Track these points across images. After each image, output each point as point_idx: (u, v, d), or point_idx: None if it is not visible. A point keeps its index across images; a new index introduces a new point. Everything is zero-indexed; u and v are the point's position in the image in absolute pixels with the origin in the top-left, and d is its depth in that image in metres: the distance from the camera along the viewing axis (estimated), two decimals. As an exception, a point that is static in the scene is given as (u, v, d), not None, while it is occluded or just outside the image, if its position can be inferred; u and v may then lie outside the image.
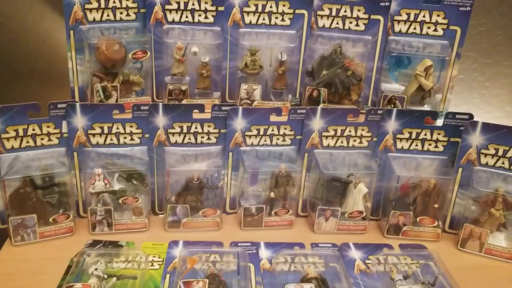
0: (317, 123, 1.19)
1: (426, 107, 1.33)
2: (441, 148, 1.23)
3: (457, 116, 1.20)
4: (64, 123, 1.13)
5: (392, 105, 1.30)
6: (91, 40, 1.19)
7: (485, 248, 1.16)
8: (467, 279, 1.03)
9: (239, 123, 1.18)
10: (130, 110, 1.15)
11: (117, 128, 1.15)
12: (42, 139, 1.12)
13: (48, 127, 1.12)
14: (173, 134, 1.17)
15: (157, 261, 1.05)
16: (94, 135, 1.14)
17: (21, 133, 1.10)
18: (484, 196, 1.16)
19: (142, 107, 1.14)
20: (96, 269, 0.94)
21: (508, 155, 1.16)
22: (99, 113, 1.13)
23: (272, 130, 1.20)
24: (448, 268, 1.03)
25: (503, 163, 1.17)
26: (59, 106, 1.11)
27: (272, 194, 1.19)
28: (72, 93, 1.24)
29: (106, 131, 1.15)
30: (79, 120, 1.12)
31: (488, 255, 1.16)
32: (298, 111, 1.18)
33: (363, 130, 1.21)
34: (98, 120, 1.13)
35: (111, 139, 1.16)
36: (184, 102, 1.25)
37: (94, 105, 1.15)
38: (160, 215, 1.23)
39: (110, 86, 1.21)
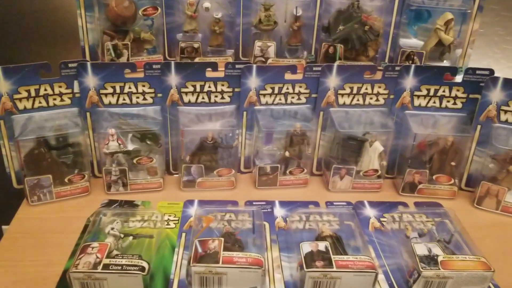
0: (333, 80, 1.16)
1: (446, 63, 1.29)
2: (459, 105, 1.20)
3: (477, 72, 1.16)
4: (76, 83, 1.11)
5: (410, 61, 1.26)
6: (100, -4, 1.16)
7: (502, 206, 1.15)
8: (483, 237, 1.03)
9: (253, 81, 1.15)
10: (142, 69, 1.12)
11: (129, 88, 1.13)
12: (54, 99, 1.11)
13: (60, 87, 1.11)
14: (186, 93, 1.15)
15: (172, 220, 1.06)
16: (106, 95, 1.13)
17: (33, 93, 1.09)
18: (502, 153, 1.14)
19: (154, 66, 1.12)
20: (112, 228, 0.95)
21: (530, 111, 1.13)
22: (110, 72, 1.11)
23: (287, 89, 1.17)
24: (464, 226, 1.02)
25: (524, 119, 1.14)
26: (70, 65, 1.09)
27: (287, 153, 1.18)
28: (82, 52, 1.22)
29: (118, 90, 1.13)
30: (91, 80, 1.11)
31: (505, 212, 1.15)
32: (314, 68, 1.15)
33: (380, 87, 1.18)
34: (110, 80, 1.12)
35: (124, 99, 1.14)
36: (196, 60, 1.23)
37: (106, 64, 1.13)
38: (175, 175, 1.23)
39: (121, 44, 1.19)
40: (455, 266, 0.87)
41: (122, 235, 0.95)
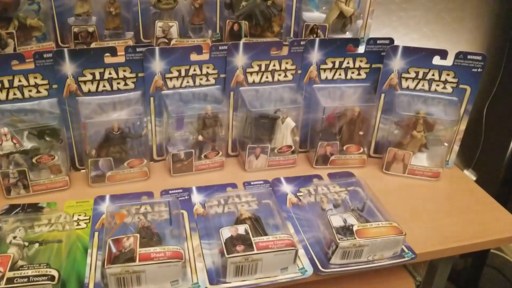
0: (240, 59, 1.14)
1: (348, 35, 1.31)
2: (363, 76, 1.24)
3: (378, 42, 1.20)
4: (-45, 80, 0.99)
5: (314, 35, 1.27)
6: (-27, -20, 1.03)
7: (409, 169, 1.21)
8: (393, 200, 1.08)
9: (157, 65, 1.10)
10: (32, 59, 1.02)
11: (19, 81, 1.03)
12: None
13: None
14: (84, 82, 1.07)
15: (83, 220, 0.99)
16: (-7, 90, 1.02)
17: None
18: (405, 119, 1.19)
19: (45, 55, 1.02)
20: (15, 237, 0.87)
21: (428, 77, 1.18)
22: (-5, 65, 1.00)
23: (194, 70, 1.13)
24: (375, 192, 1.06)
25: (423, 85, 1.19)
26: None
27: (200, 137, 1.14)
28: (-41, 44, 1.09)
29: (6, 85, 1.02)
30: (-28, 75, 0.99)
31: (411, 175, 1.21)
32: (220, 47, 1.12)
33: (287, 63, 1.18)
34: (-5, 74, 1.01)
35: (14, 94, 1.04)
36: (93, 45, 1.14)
37: (-12, 57, 1.01)
38: (82, 171, 1.16)
39: (5, 34, 1.07)
40: (370, 233, 0.91)
41: (26, 243, 0.88)
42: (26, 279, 0.78)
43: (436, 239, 1.01)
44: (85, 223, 0.98)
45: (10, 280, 0.77)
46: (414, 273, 1.10)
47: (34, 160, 1.05)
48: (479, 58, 1.13)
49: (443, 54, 1.15)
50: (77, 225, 0.97)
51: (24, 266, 0.81)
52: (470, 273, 1.92)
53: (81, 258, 0.90)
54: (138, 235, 0.86)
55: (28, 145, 1.04)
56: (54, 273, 0.80)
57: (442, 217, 1.08)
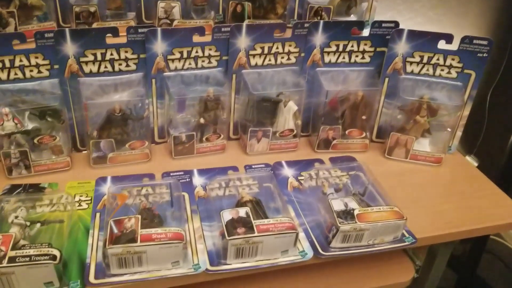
0: (243, 41, 1.13)
1: (353, 17, 1.30)
2: (367, 59, 1.22)
3: (383, 25, 1.18)
4: (-45, 59, 0.98)
5: (319, 17, 1.25)
6: (-27, -42, 1.02)
7: (411, 154, 1.20)
8: (394, 185, 1.08)
9: (159, 46, 1.09)
10: (33, 39, 1.01)
11: (20, 61, 1.02)
12: None
13: None
14: (86, 63, 1.06)
15: (84, 200, 0.99)
16: (-7, 70, 1.01)
17: None
18: (409, 104, 1.18)
19: (46, 35, 1.01)
20: (16, 217, 0.87)
21: (433, 61, 1.17)
22: (-5, 44, 0.99)
23: (196, 52, 1.12)
24: (377, 177, 1.06)
25: (427, 70, 1.18)
26: None
27: (202, 120, 1.14)
28: (-40, 23, 1.08)
29: (7, 64, 1.01)
30: (-27, 54, 0.99)
31: (413, 160, 1.21)
32: (222, 29, 1.11)
33: (290, 45, 1.17)
34: (-4, 53, 1.00)
35: (15, 73, 1.03)
36: (94, 25, 1.13)
37: (-11, 36, 1.00)
38: (83, 152, 1.16)
39: (6, 13, 1.06)
40: (371, 218, 0.91)
41: (28, 223, 0.88)
42: (28, 258, 0.78)
43: (436, 224, 1.01)
44: (86, 204, 0.99)
45: (12, 259, 0.78)
46: (414, 257, 1.10)
47: (35, 141, 1.04)
48: (485, 43, 1.12)
49: (448, 38, 1.14)
50: (78, 206, 0.97)
51: (26, 245, 0.82)
52: (469, 258, 1.93)
53: (83, 238, 0.90)
54: (139, 216, 0.86)
55: (29, 125, 1.04)
56: (56, 252, 0.80)
57: (443, 202, 1.08)
